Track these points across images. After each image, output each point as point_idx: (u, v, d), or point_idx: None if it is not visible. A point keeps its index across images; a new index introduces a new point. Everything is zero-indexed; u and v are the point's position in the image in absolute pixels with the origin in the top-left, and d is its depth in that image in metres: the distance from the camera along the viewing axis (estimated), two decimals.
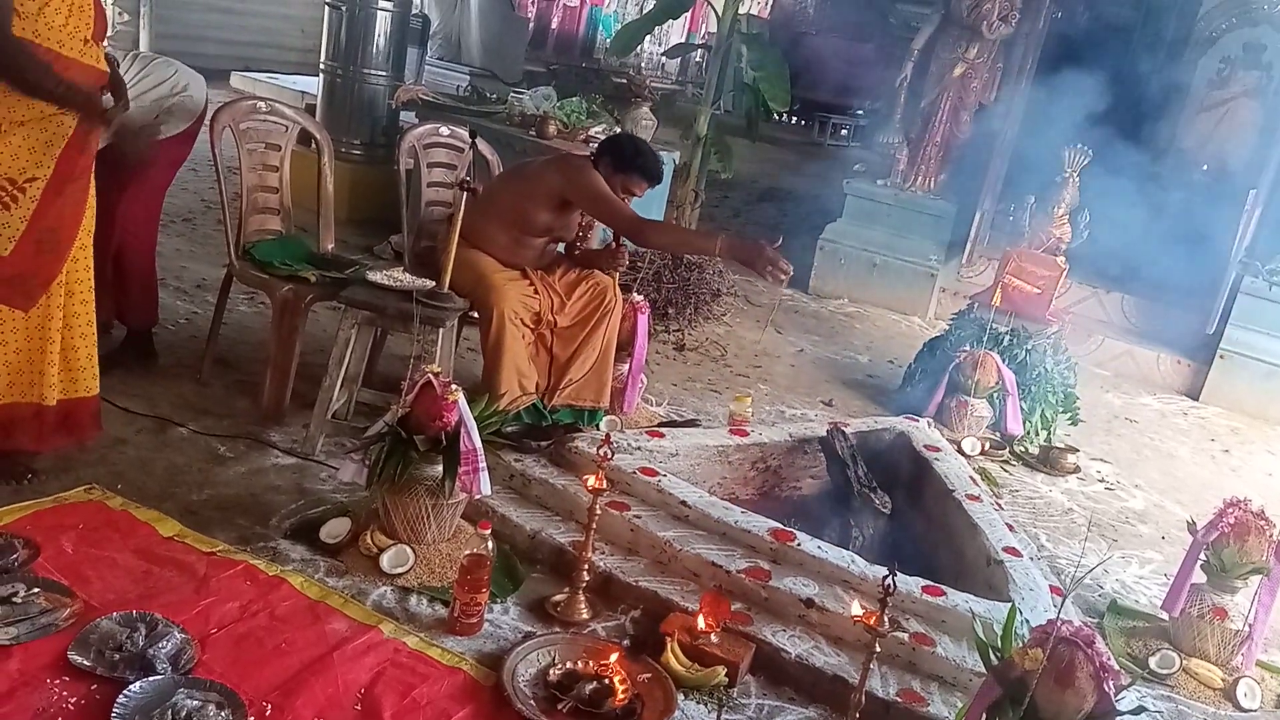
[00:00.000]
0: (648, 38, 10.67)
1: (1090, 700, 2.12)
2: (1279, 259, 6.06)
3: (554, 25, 15.42)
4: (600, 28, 15.83)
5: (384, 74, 6.44)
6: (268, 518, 3.04)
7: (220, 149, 3.67)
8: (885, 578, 2.16)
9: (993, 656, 2.28)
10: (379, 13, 6.29)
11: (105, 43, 2.92)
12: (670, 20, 7.14)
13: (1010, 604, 2.68)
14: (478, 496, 2.93)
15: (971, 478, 3.79)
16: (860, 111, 13.94)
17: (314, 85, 7.10)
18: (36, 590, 2.43)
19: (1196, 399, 6.18)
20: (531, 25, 14.07)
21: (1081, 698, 2.11)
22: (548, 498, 3.28)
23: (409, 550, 2.88)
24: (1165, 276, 6.12)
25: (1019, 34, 6.61)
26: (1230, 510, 3.17)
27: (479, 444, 2.87)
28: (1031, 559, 3.30)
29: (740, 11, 6.42)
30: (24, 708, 2.13)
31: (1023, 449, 4.74)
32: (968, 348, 4.80)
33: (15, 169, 2.72)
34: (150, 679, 2.22)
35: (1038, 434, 4.83)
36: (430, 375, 2.84)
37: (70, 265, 2.88)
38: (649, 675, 2.59)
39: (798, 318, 6.44)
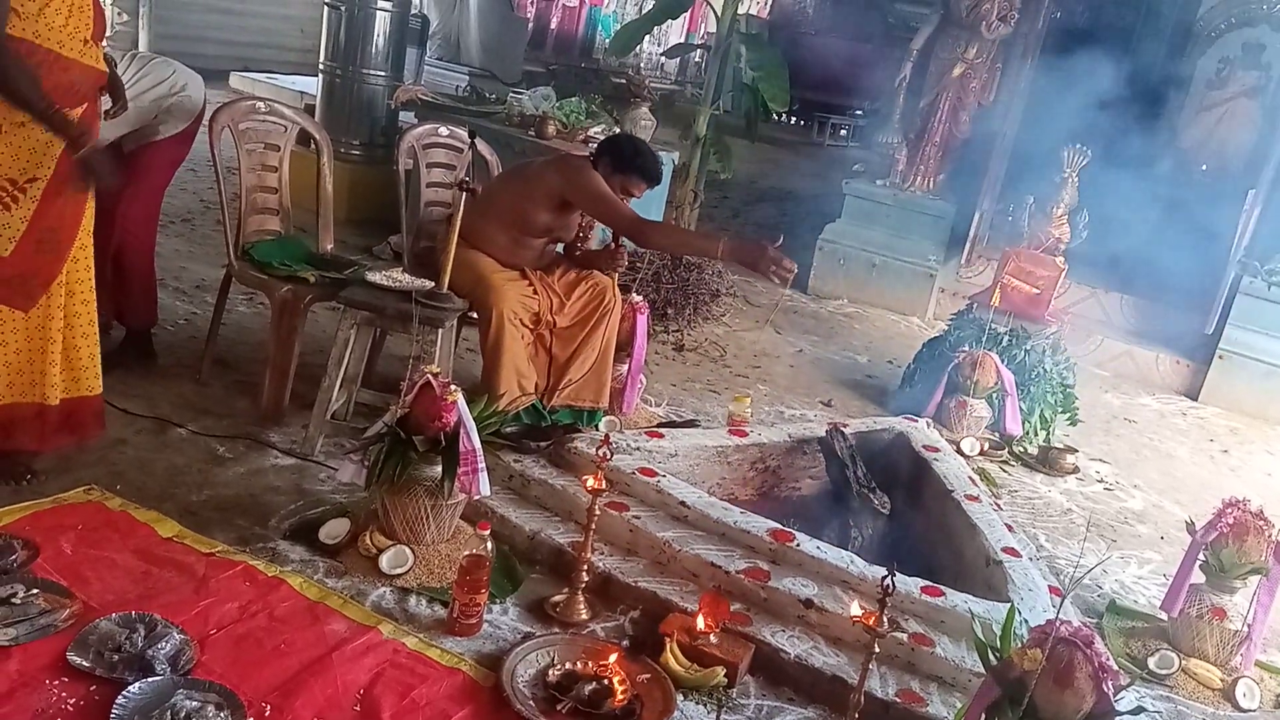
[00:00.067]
0: (647, 38, 10.68)
1: (1089, 700, 2.12)
2: (1278, 259, 6.07)
3: (553, 25, 15.42)
4: (599, 28, 15.83)
5: (383, 74, 6.44)
6: (267, 518, 3.04)
7: (219, 149, 3.68)
8: (884, 578, 2.17)
9: (992, 657, 2.28)
10: (378, 13, 6.29)
11: (104, 43, 2.92)
12: (669, 20, 7.15)
13: (1009, 604, 2.69)
14: (477, 497, 2.93)
15: (970, 478, 3.79)
16: (859, 111, 13.94)
17: (313, 85, 7.10)
18: (35, 591, 2.43)
19: (1195, 399, 6.18)
20: (530, 25, 14.07)
21: (1080, 698, 2.12)
22: (547, 498, 3.28)
23: (408, 551, 2.88)
24: (1164, 277, 6.12)
25: (1018, 34, 6.61)
26: (1229, 510, 3.17)
27: (478, 444, 2.87)
28: (1030, 559, 3.30)
29: (739, 11, 6.42)
30: (23, 709, 2.13)
31: (1022, 449, 4.74)
32: (967, 348, 4.80)
33: (16, 169, 2.72)
34: (149, 680, 2.22)
35: (1037, 434, 4.83)
36: (429, 376, 2.85)
37: (70, 265, 2.88)
38: (648, 676, 2.59)
39: (797, 318, 6.45)
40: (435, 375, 2.85)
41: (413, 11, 8.54)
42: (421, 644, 2.59)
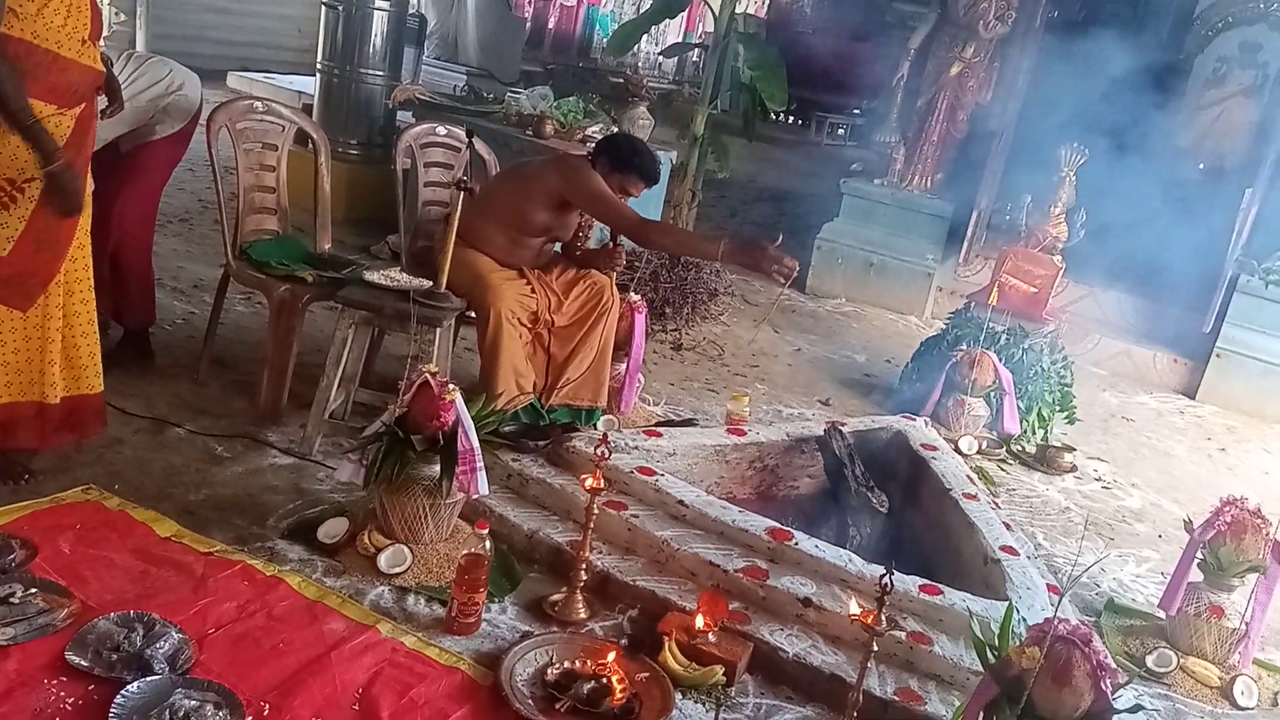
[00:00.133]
0: (644, 37, 10.63)
1: (1087, 699, 2.13)
2: (1275, 257, 6.07)
3: (551, 25, 15.39)
4: (597, 27, 15.80)
5: (381, 74, 6.43)
6: (265, 518, 3.04)
7: (217, 149, 3.67)
8: (882, 577, 2.17)
9: (990, 655, 2.28)
10: (375, 12, 6.28)
11: (101, 43, 2.92)
12: (667, 20, 7.14)
13: (1007, 603, 2.69)
14: (475, 496, 2.93)
15: (968, 476, 3.79)
16: (857, 111, 13.95)
17: (311, 85, 7.10)
18: (34, 590, 2.43)
19: (1193, 398, 6.19)
20: (528, 25, 14.04)
21: (1079, 696, 2.12)
22: (545, 497, 3.28)
23: (406, 550, 2.88)
24: (1162, 275, 6.13)
25: (1015, 33, 6.61)
26: (1227, 509, 3.17)
27: (476, 443, 2.87)
28: (1028, 558, 3.30)
29: (737, 11, 6.41)
30: (22, 708, 2.13)
31: (1020, 448, 4.74)
32: (965, 347, 4.81)
33: (14, 170, 2.72)
34: (148, 679, 2.22)
35: (1035, 433, 4.83)
36: (427, 375, 2.84)
37: (68, 265, 2.88)
38: (647, 674, 2.59)
39: (795, 317, 6.45)
40: (433, 374, 2.85)
41: (410, 11, 8.52)
42: (420, 643, 2.59)
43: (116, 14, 9.05)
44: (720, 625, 2.74)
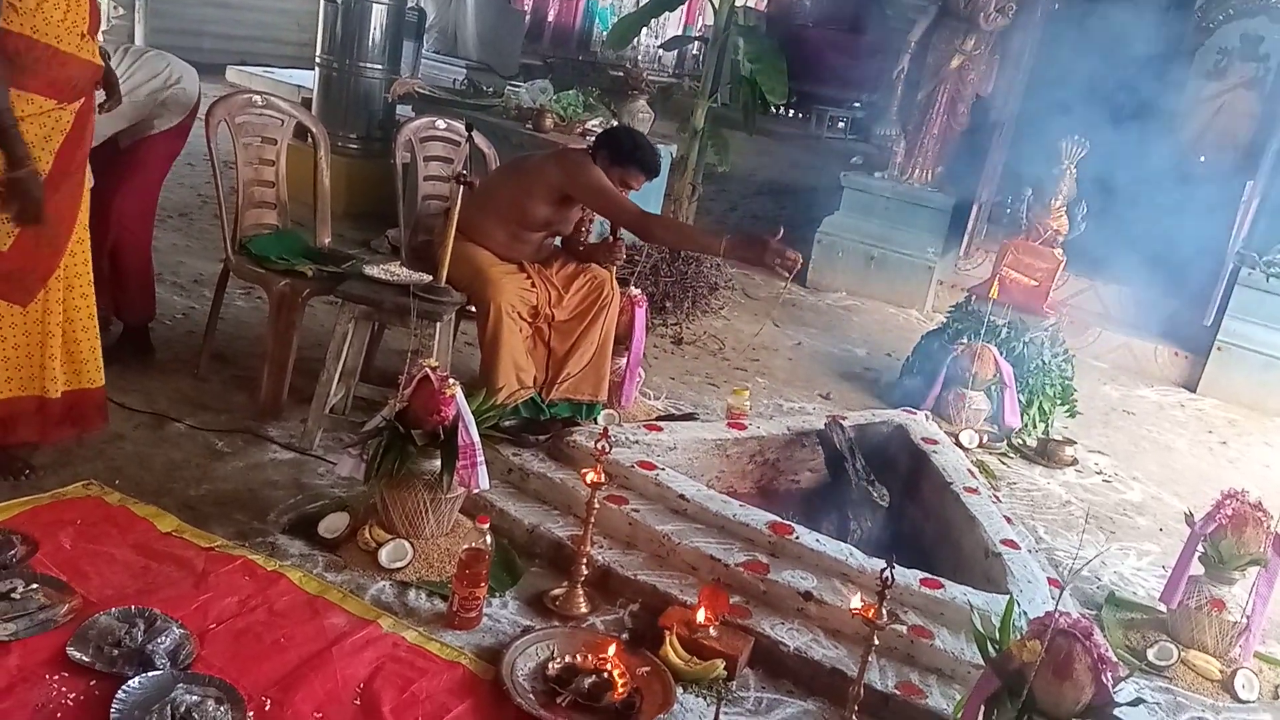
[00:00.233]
0: (644, 30, 10.62)
1: (1088, 692, 2.13)
2: (1276, 250, 6.07)
3: (550, 18, 15.38)
4: (596, 20, 15.79)
5: (380, 67, 6.42)
6: (266, 513, 3.04)
7: (216, 143, 3.67)
8: (883, 570, 2.17)
9: (991, 649, 2.28)
10: (374, 6, 6.27)
11: (100, 37, 2.91)
12: (666, 13, 7.11)
13: (1008, 596, 2.69)
14: (476, 491, 2.93)
15: (969, 470, 3.79)
16: (857, 104, 13.92)
17: (310, 79, 7.09)
18: (35, 586, 2.43)
19: (1194, 391, 6.18)
20: (528, 18, 14.03)
21: (1080, 689, 2.12)
22: (546, 492, 3.28)
23: (407, 545, 2.88)
24: (1163, 268, 6.12)
25: (1016, 25, 6.60)
26: (1228, 502, 3.17)
27: (477, 438, 2.87)
28: (1029, 551, 3.30)
29: (737, 4, 6.40)
30: (23, 704, 2.13)
31: (1020, 441, 4.74)
32: (965, 340, 4.80)
33: None
34: (149, 674, 2.22)
35: (1035, 426, 4.83)
36: (428, 369, 2.84)
37: (68, 259, 2.88)
38: (648, 669, 2.59)
39: (795, 311, 6.44)
40: (434, 369, 2.85)
41: (409, 4, 8.50)
42: (421, 638, 2.59)
43: (115, 8, 9.04)
44: (721, 619, 2.74)
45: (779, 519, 3.12)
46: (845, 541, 3.15)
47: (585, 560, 2.86)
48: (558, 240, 3.93)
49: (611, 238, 3.85)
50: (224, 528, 2.91)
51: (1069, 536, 3.94)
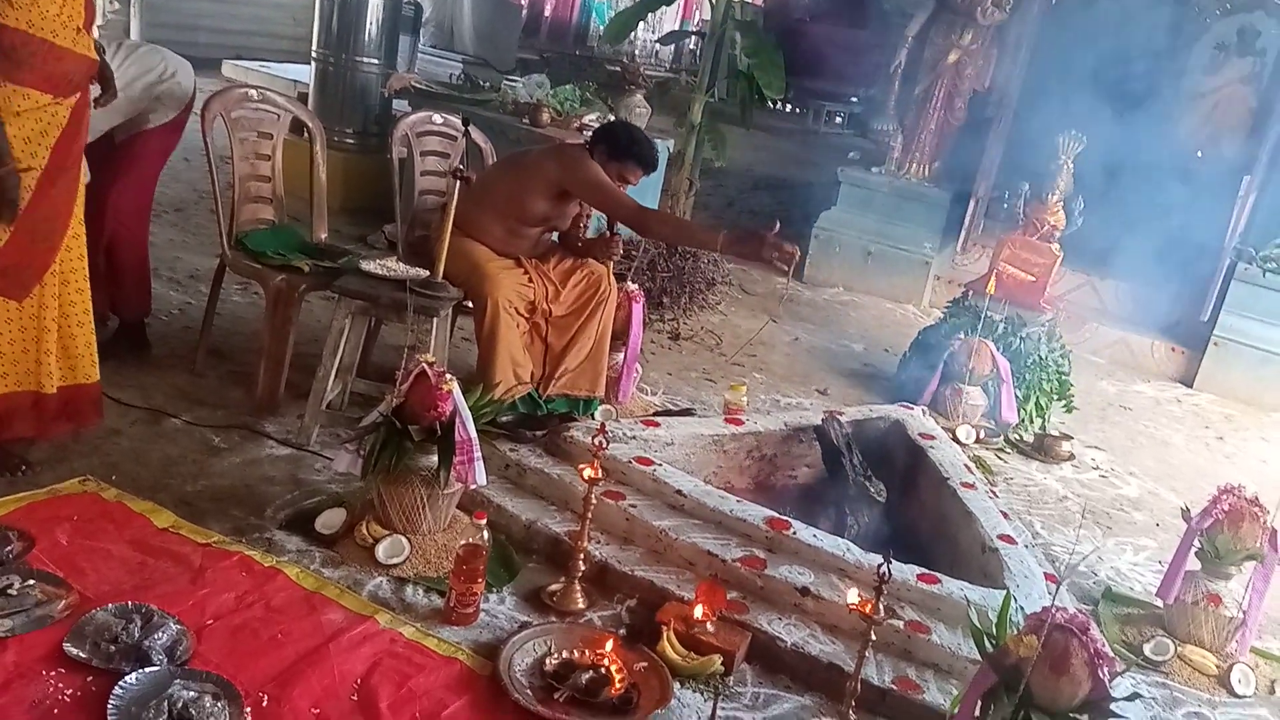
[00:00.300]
0: (641, 25, 10.60)
1: (1085, 687, 2.13)
2: (1273, 245, 6.07)
3: (547, 12, 15.34)
4: (593, 15, 15.76)
5: (376, 62, 6.41)
6: (263, 508, 3.04)
7: (212, 138, 3.66)
8: (880, 566, 2.17)
9: (988, 644, 2.28)
10: (370, 0, 6.25)
11: (95, 31, 2.90)
12: (663, 7, 7.10)
13: (1005, 591, 2.69)
14: (473, 486, 2.93)
15: (966, 465, 3.79)
16: (855, 99, 13.90)
17: (306, 73, 7.06)
18: (32, 582, 2.43)
19: (1191, 386, 6.20)
20: (524, 12, 14.01)
21: (1076, 684, 2.12)
22: (543, 487, 3.28)
23: (404, 541, 2.88)
24: (1160, 263, 6.12)
25: (1013, 19, 6.60)
26: (1224, 497, 3.18)
27: (474, 434, 2.87)
28: (1026, 546, 3.31)
29: None
30: (20, 700, 2.13)
31: (1017, 437, 4.75)
32: (962, 335, 4.80)
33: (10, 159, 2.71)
34: (146, 670, 2.21)
35: (1032, 422, 4.84)
36: (425, 365, 2.84)
37: (63, 255, 2.88)
38: (645, 664, 2.59)
39: (792, 306, 6.44)
40: (430, 364, 2.85)
41: None
42: (418, 633, 2.59)
43: (110, 3, 8.99)
44: (718, 615, 2.74)
45: (776, 514, 3.12)
46: (842, 537, 3.15)
47: (582, 556, 2.86)
48: (555, 235, 3.92)
49: (609, 233, 3.84)
50: (221, 523, 2.91)
51: (1066, 532, 3.94)
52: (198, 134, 3.66)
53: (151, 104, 3.56)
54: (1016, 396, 4.74)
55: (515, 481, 3.32)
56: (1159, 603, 3.33)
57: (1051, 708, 2.12)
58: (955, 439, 4.32)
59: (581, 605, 2.84)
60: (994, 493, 3.77)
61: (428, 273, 3.42)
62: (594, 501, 2.84)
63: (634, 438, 3.49)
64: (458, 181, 3.30)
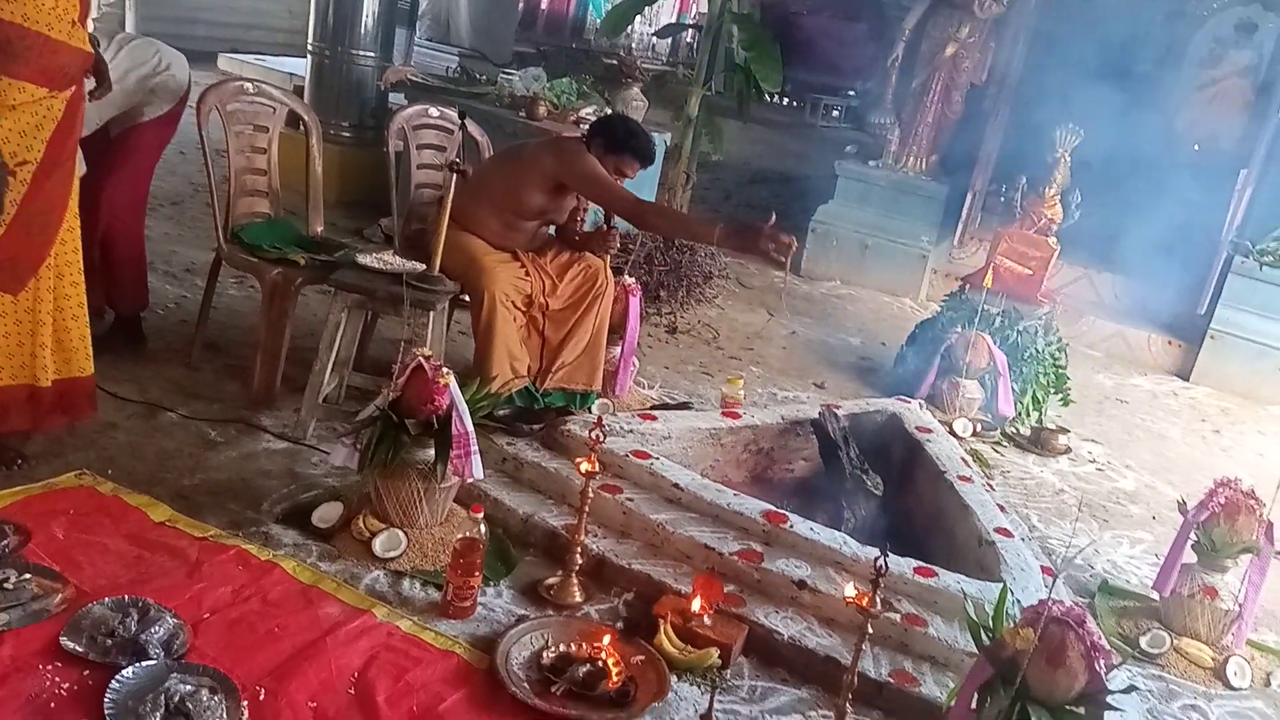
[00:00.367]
0: (638, 18, 10.57)
1: (1081, 679, 2.13)
2: (1270, 239, 6.07)
3: (543, 6, 15.31)
4: (590, 8, 15.72)
5: (372, 55, 6.40)
6: (259, 502, 3.03)
7: (207, 131, 3.65)
8: (877, 559, 2.17)
9: (984, 637, 2.28)
10: None
11: (89, 24, 2.89)
12: (660, 0, 7.09)
13: (1002, 584, 2.70)
14: (470, 480, 2.93)
15: (963, 459, 3.79)
16: (852, 92, 13.87)
17: (302, 67, 7.05)
18: (28, 576, 2.42)
19: (1187, 379, 6.20)
20: (521, 6, 13.96)
21: (1073, 677, 2.12)
22: (540, 481, 3.28)
23: (401, 534, 2.88)
24: (1156, 257, 6.13)
25: (1011, 12, 6.59)
26: (1220, 490, 3.18)
27: (471, 427, 2.87)
28: (1023, 539, 3.31)
29: None
30: (16, 694, 2.12)
31: (1014, 430, 4.75)
32: (959, 329, 4.81)
33: (6, 153, 2.70)
34: (143, 664, 2.21)
35: (1029, 415, 4.84)
36: (421, 359, 2.83)
37: (58, 248, 2.87)
38: (642, 657, 2.60)
39: (789, 300, 6.43)
40: (427, 358, 2.84)
41: None
42: (415, 627, 2.59)
43: None
44: (715, 608, 2.74)
45: (773, 508, 3.13)
46: (839, 530, 3.15)
47: (580, 549, 2.86)
48: (552, 229, 3.91)
49: (606, 226, 3.83)
50: (217, 517, 2.90)
51: (1062, 525, 3.95)
52: (193, 127, 3.65)
53: (147, 97, 3.54)
54: (1013, 390, 4.74)
55: (512, 475, 3.32)
56: (1155, 596, 3.34)
57: (1048, 700, 2.12)
58: (952, 432, 4.32)
59: (579, 598, 2.84)
60: (991, 486, 3.77)
61: (424, 266, 3.41)
62: (591, 495, 2.84)
63: (631, 431, 3.49)
64: (454, 175, 3.29)
